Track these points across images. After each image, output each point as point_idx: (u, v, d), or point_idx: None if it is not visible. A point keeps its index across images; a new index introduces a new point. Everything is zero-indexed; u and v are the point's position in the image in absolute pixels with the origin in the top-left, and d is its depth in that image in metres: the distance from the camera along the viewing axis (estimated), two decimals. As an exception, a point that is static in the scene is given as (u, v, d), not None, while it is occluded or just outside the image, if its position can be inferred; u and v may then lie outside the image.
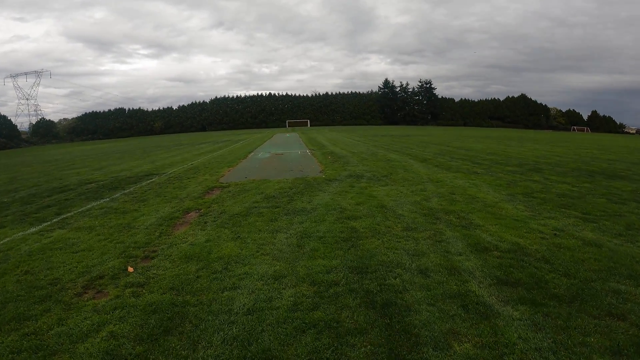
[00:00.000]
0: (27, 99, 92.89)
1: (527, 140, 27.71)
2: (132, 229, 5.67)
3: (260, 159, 13.95)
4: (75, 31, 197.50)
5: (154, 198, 7.67)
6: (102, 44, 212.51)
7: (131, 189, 8.88)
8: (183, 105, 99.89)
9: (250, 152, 17.20)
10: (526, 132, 47.21)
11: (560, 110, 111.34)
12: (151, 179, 10.17)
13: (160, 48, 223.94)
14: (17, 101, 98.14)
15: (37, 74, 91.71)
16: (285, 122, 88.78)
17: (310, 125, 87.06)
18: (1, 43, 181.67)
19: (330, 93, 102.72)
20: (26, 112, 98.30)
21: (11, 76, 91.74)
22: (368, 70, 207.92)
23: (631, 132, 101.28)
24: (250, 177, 9.51)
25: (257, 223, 5.48)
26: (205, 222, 5.75)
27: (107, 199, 7.92)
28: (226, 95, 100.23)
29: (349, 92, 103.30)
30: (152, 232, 5.41)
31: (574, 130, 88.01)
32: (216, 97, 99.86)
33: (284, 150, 17.77)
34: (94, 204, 7.56)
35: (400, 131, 42.77)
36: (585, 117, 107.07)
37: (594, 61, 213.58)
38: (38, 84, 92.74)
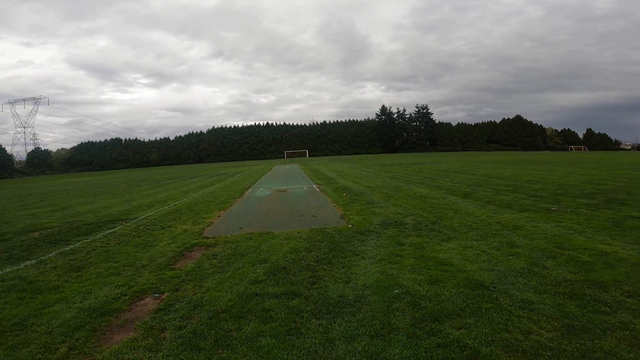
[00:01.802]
0: (24, 127, 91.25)
1: (545, 163, 25.59)
2: (24, 330, 3.31)
3: (260, 198, 11.41)
4: (78, 58, 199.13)
5: (98, 264, 5.09)
6: (104, 72, 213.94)
7: (77, 244, 6.26)
8: (180, 136, 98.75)
9: (247, 188, 14.68)
10: (532, 155, 45.19)
11: (556, 130, 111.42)
12: (114, 227, 7.56)
13: (160, 77, 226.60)
14: (14, 129, 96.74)
15: (36, 100, 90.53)
16: (284, 153, 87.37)
17: (309, 156, 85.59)
18: (6, 68, 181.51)
19: (328, 122, 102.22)
20: (23, 140, 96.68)
21: (9, 102, 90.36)
22: (363, 98, 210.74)
23: (627, 148, 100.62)
24: (246, 227, 6.91)
25: (264, 340, 2.86)
26: (164, 329, 3.18)
27: (33, 262, 5.44)
28: (224, 126, 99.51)
29: (347, 120, 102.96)
30: (54, 345, 3.01)
31: (571, 149, 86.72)
32: (213, 127, 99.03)
33: (286, 186, 15.27)
34: (7, 270, 5.11)
35: (406, 159, 40.74)
36: (580, 136, 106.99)
37: (579, 79, 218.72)
38: (36, 112, 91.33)
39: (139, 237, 6.56)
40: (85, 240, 6.53)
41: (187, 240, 6.06)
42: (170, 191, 15.28)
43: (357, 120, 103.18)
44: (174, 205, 10.32)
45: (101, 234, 6.94)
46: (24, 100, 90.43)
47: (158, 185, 19.29)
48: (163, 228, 7.20)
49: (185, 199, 11.87)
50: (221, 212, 8.87)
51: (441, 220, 6.84)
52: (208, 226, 7.18)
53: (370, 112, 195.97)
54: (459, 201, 8.98)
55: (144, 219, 8.36)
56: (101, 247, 6.04)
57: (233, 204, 10.17)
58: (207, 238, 6.18)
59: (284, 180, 17.91)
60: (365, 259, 4.68)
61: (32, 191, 22.73)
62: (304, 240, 5.68)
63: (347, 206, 8.75)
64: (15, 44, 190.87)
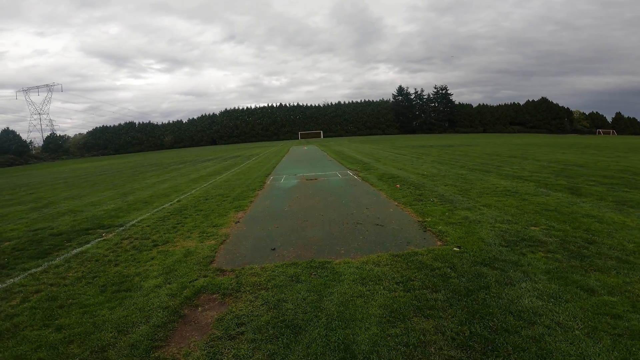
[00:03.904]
0: (39, 114, 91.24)
1: (599, 147, 22.15)
2: None
3: (288, 190, 8.93)
4: (91, 46, 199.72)
5: (28, 331, 2.86)
6: (118, 59, 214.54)
7: (18, 277, 3.97)
8: (193, 119, 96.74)
9: (268, 175, 12.21)
10: (569, 138, 41.20)
11: (584, 113, 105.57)
12: (88, 240, 5.22)
13: (172, 62, 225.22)
14: (29, 116, 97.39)
15: (49, 87, 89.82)
16: (298, 134, 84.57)
17: (324, 136, 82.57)
18: (22, 58, 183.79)
19: (342, 102, 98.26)
20: (39, 127, 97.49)
21: (23, 90, 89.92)
22: (376, 79, 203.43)
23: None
24: (282, 247, 4.43)
25: None
26: None
27: None
28: (237, 107, 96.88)
29: (362, 100, 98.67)
30: None
31: (599, 133, 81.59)
32: (226, 109, 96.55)
33: (314, 172, 12.73)
34: None
35: (433, 141, 37.42)
36: (609, 119, 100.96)
37: (603, 63, 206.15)
38: (50, 98, 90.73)
39: (116, 264, 4.19)
40: (35, 270, 4.19)
41: (189, 277, 3.63)
42: (178, 179, 12.95)
43: (372, 100, 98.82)
44: (177, 202, 7.93)
45: (63, 257, 4.59)
46: (38, 87, 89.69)
47: (165, 172, 17.05)
48: (156, 245, 4.80)
49: (193, 192, 9.49)
50: (239, 213, 6.43)
51: (596, 236, 4.21)
52: (222, 243, 4.73)
53: (383, 94, 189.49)
54: (576, 200, 6.28)
55: (133, 225, 5.98)
56: (51, 286, 3.69)
57: (254, 200, 7.73)
58: (223, 272, 3.74)
59: (308, 165, 15.36)
60: (566, 330, 2.16)
61: (32, 179, 20.94)
62: (397, 284, 3.17)
63: (416, 206, 6.17)
64: (29, 34, 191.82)
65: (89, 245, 5.01)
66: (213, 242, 4.75)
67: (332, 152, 22.91)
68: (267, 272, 3.62)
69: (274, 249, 4.32)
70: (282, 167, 15.33)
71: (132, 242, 5.00)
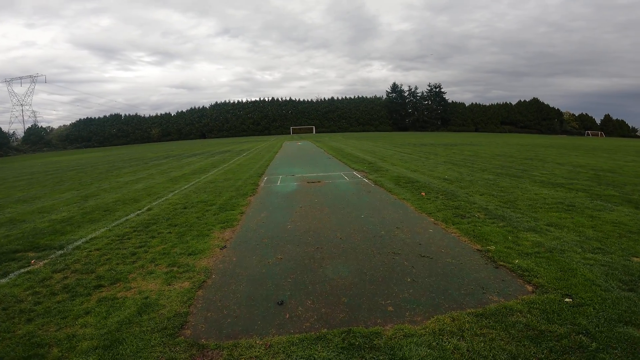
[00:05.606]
0: (21, 105, 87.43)
1: (605, 150, 21.19)
2: None
3: (287, 197, 7.36)
4: (81, 38, 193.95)
5: None
6: (107, 51, 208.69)
7: None
8: (182, 111, 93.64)
9: (261, 175, 10.59)
10: (561, 139, 40.53)
11: (573, 115, 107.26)
12: (7, 273, 3.59)
13: (163, 55, 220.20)
14: (12, 107, 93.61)
15: (33, 78, 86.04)
16: (290, 129, 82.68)
17: (316, 132, 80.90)
18: (9, 49, 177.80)
19: (335, 98, 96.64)
20: (21, 118, 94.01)
21: (5, 81, 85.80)
22: (370, 76, 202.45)
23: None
24: (291, 298, 2.90)
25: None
26: None
27: None
28: (227, 101, 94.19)
29: (355, 97, 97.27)
30: None
31: (588, 135, 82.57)
32: (216, 102, 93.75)
33: (315, 172, 11.17)
34: None
35: (434, 139, 36.17)
36: (597, 121, 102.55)
37: (593, 65, 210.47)
38: (33, 89, 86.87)
39: (29, 319, 2.58)
40: None
41: (134, 371, 2.07)
42: (156, 178, 11.21)
43: (365, 97, 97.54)
44: (147, 211, 6.26)
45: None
46: (21, 78, 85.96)
47: (145, 167, 15.22)
48: (100, 286, 3.20)
49: (170, 195, 7.83)
50: (226, 232, 4.84)
51: None
52: (201, 286, 3.15)
53: (376, 90, 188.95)
54: (660, 217, 4.93)
55: (77, 248, 4.33)
56: None
57: (246, 210, 6.14)
58: (203, 351, 2.16)
59: (305, 163, 13.77)
60: None
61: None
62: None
63: (462, 226, 4.69)
64: (18, 25, 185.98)
65: (4, 281, 3.38)
66: (187, 284, 3.17)
67: (330, 149, 21.36)
68: (279, 356, 2.08)
69: (281, 303, 2.78)
70: (277, 165, 13.72)
71: (66, 278, 3.38)
